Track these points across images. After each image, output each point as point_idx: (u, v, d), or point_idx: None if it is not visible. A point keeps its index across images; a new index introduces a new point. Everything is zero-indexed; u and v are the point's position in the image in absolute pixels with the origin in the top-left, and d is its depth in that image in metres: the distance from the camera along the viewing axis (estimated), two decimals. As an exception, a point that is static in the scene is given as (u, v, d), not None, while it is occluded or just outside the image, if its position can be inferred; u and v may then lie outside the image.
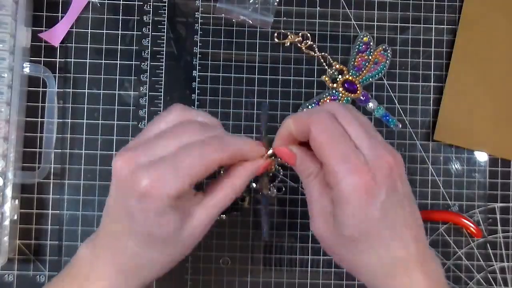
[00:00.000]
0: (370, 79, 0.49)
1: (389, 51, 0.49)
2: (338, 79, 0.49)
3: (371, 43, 0.49)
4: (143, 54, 0.49)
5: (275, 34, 0.49)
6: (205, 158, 0.32)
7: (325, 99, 0.49)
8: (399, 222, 0.32)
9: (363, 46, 0.49)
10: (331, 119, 0.33)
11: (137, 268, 0.34)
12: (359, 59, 0.49)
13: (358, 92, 0.48)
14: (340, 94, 0.49)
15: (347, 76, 0.49)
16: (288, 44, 0.49)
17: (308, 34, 0.49)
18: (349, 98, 0.49)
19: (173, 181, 0.31)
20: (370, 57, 0.49)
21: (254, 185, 0.49)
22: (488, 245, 0.49)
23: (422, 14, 0.50)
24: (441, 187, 0.49)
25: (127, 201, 0.32)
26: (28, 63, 0.47)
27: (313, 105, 0.48)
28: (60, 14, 0.49)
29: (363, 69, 0.49)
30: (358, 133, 0.33)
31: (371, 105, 0.49)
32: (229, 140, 0.33)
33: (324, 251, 0.36)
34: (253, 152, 0.35)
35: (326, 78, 0.49)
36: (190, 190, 0.33)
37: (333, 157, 0.31)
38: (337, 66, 0.49)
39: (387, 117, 0.49)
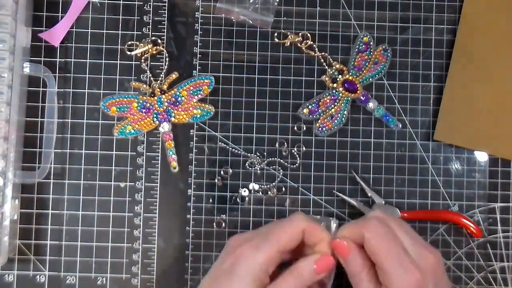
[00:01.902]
0: (370, 79, 0.49)
1: (389, 51, 0.49)
2: (338, 79, 0.49)
3: (371, 43, 0.49)
4: (143, 54, 0.49)
5: (275, 34, 0.49)
6: (290, 228, 0.38)
7: (325, 99, 0.49)
8: None
9: (363, 46, 0.49)
10: (383, 224, 0.38)
11: None
12: (359, 59, 0.49)
13: (358, 92, 0.48)
14: (340, 94, 0.49)
15: (347, 76, 0.49)
16: (288, 44, 0.49)
17: (308, 34, 0.49)
18: (349, 98, 0.49)
19: (264, 247, 0.37)
20: (370, 57, 0.49)
21: (255, 185, 0.49)
22: (488, 245, 0.49)
23: (422, 14, 0.50)
24: (441, 187, 0.49)
25: (223, 266, 0.38)
26: (28, 63, 0.47)
27: (313, 105, 0.48)
28: (60, 14, 0.49)
29: (363, 69, 0.49)
30: (404, 237, 0.38)
31: (371, 105, 0.49)
32: (313, 222, 0.40)
33: None
34: (322, 234, 0.39)
35: (326, 78, 0.49)
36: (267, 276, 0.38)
37: (388, 259, 0.36)
38: (337, 66, 0.49)
39: (387, 117, 0.49)
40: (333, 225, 0.41)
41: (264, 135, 0.49)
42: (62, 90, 0.49)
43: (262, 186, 0.49)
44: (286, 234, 0.38)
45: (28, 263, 0.48)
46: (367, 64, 0.49)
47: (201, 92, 0.48)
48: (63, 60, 0.49)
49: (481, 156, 0.50)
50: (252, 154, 0.49)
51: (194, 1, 0.50)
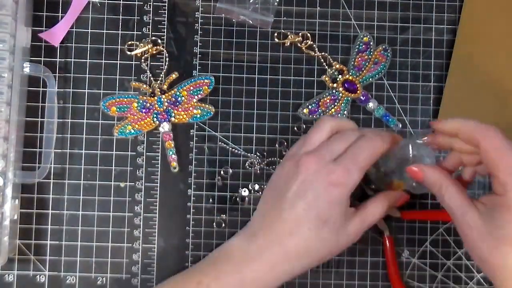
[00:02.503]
0: (370, 79, 0.49)
1: (389, 51, 0.49)
2: (338, 79, 0.49)
3: (371, 43, 0.49)
4: (143, 54, 0.49)
5: (275, 34, 0.49)
6: (373, 150, 0.40)
7: (325, 99, 0.49)
8: None
9: (363, 46, 0.49)
10: (502, 136, 0.37)
11: (303, 253, 0.39)
12: (359, 59, 0.49)
13: (358, 92, 0.48)
14: (340, 94, 0.49)
15: (347, 76, 0.49)
16: (288, 44, 0.49)
17: (308, 34, 0.49)
18: (349, 98, 0.49)
19: (355, 170, 0.39)
20: (370, 57, 0.49)
21: (255, 186, 0.49)
22: (488, 245, 0.49)
23: (422, 14, 0.50)
24: (441, 187, 0.49)
25: (314, 191, 0.38)
26: (28, 63, 0.47)
27: (313, 105, 0.48)
28: (60, 14, 0.49)
29: (363, 69, 0.49)
30: None
31: (371, 105, 0.49)
32: (384, 134, 0.41)
33: None
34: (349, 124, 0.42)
35: (326, 78, 0.49)
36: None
37: (503, 170, 0.35)
38: (337, 66, 0.49)
39: (387, 117, 0.49)
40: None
41: (264, 135, 0.49)
42: (62, 90, 0.49)
43: (262, 186, 0.49)
44: (371, 158, 0.40)
45: (28, 263, 0.48)
46: (367, 64, 0.49)
47: (201, 92, 0.48)
48: (63, 60, 0.49)
49: (481, 156, 0.50)
50: (252, 154, 0.49)
51: (194, 1, 0.50)
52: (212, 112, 0.48)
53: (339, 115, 0.48)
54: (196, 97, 0.48)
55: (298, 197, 0.39)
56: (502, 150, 0.36)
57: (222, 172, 0.49)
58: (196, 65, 0.49)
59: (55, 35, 0.48)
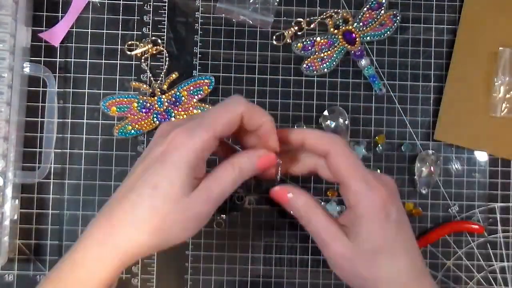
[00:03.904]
0: (370, 38, 0.49)
1: (398, 17, 0.49)
2: (341, 27, 0.49)
3: (384, 6, 0.49)
4: (143, 54, 0.49)
5: (274, 37, 0.49)
6: (228, 111, 0.35)
7: (322, 40, 0.49)
8: (409, 237, 0.37)
9: (376, 4, 0.49)
10: (348, 146, 0.36)
11: (128, 226, 0.34)
12: (367, 15, 0.49)
13: (356, 45, 0.48)
14: (338, 41, 0.49)
15: (350, 27, 0.49)
16: (288, 41, 0.49)
17: (302, 22, 0.49)
18: (344, 48, 0.49)
19: (199, 131, 0.34)
20: (378, 17, 0.49)
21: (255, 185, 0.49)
22: (488, 245, 0.49)
23: (422, 14, 0.50)
24: (441, 187, 0.49)
25: (153, 153, 0.34)
26: (28, 63, 0.47)
27: (308, 41, 0.49)
28: (60, 14, 0.49)
29: (368, 26, 0.49)
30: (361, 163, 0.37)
31: (363, 62, 0.49)
32: (253, 105, 0.36)
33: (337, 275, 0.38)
34: (263, 117, 0.36)
35: (330, 22, 0.49)
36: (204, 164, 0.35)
37: (355, 178, 0.35)
38: (345, 14, 0.49)
39: (374, 79, 0.49)
40: None
41: (264, 135, 0.49)
42: (62, 90, 0.49)
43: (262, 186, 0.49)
44: (222, 119, 0.34)
45: (28, 263, 0.48)
46: (373, 22, 0.49)
47: (201, 92, 0.48)
48: (63, 60, 0.49)
49: (481, 156, 0.50)
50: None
51: (194, 1, 0.50)
52: (212, 112, 0.48)
53: (330, 60, 0.49)
54: (196, 97, 0.48)
55: (140, 162, 0.35)
56: (351, 159, 0.36)
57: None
58: (196, 65, 0.49)
59: (55, 35, 0.48)
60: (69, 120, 0.49)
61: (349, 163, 0.35)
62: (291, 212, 0.37)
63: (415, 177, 0.49)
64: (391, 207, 0.35)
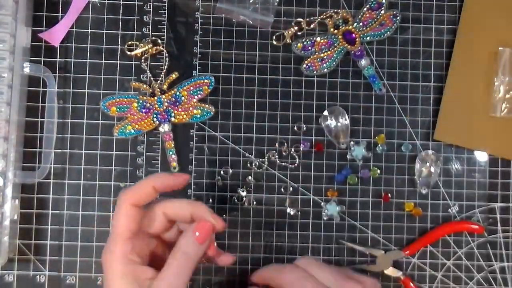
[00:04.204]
0: (370, 38, 0.49)
1: (398, 17, 0.49)
2: (341, 27, 0.49)
3: (384, 5, 0.49)
4: (143, 54, 0.49)
5: (274, 37, 0.49)
6: (120, 216, 0.36)
7: (322, 40, 0.49)
8: None
9: (376, 4, 0.49)
10: (299, 269, 0.40)
11: None
12: (367, 15, 0.49)
13: (355, 45, 0.48)
14: (338, 42, 0.49)
15: (350, 27, 0.49)
16: (288, 41, 0.49)
17: (302, 22, 0.49)
18: (344, 48, 0.49)
19: (117, 239, 0.36)
20: (378, 17, 0.49)
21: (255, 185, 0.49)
22: (488, 245, 0.49)
23: (422, 14, 0.50)
24: (441, 187, 0.49)
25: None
26: (28, 63, 0.47)
27: (308, 41, 0.49)
28: (60, 14, 0.49)
29: (367, 26, 0.49)
30: (326, 277, 0.39)
31: (363, 62, 0.49)
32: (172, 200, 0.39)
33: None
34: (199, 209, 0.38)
35: (330, 22, 0.49)
36: (138, 258, 0.36)
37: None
38: (344, 14, 0.49)
39: (374, 79, 0.49)
40: None
41: (264, 135, 0.49)
42: (62, 90, 0.49)
43: (263, 186, 0.49)
44: (124, 222, 0.36)
45: (28, 263, 0.48)
46: (373, 22, 0.49)
47: (201, 92, 0.48)
48: (63, 60, 0.49)
49: (481, 156, 0.50)
50: (252, 155, 0.49)
51: (194, 1, 0.50)
52: (212, 112, 0.48)
53: (330, 60, 0.49)
54: (196, 97, 0.48)
55: None
56: (301, 280, 0.39)
57: (222, 172, 0.49)
58: (196, 65, 0.49)
59: (55, 35, 0.48)
60: (69, 120, 0.49)
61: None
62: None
63: (415, 177, 0.49)
64: None
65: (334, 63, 0.49)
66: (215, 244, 0.40)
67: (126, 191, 0.37)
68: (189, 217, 0.38)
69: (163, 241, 0.39)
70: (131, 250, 0.36)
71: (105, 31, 0.49)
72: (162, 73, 0.49)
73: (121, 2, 0.49)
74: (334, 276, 0.39)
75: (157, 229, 0.38)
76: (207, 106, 0.48)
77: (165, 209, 0.38)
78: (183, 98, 0.48)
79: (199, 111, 0.48)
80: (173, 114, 0.48)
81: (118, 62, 0.49)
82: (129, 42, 0.49)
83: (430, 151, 0.49)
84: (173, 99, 0.48)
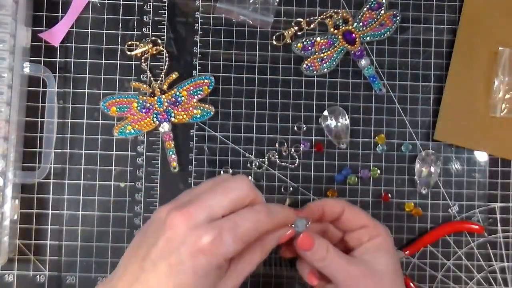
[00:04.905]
0: (370, 38, 0.49)
1: (398, 17, 0.49)
2: (341, 27, 0.49)
3: (384, 5, 0.49)
4: (143, 54, 0.49)
5: (274, 37, 0.49)
6: (258, 223, 0.35)
7: (322, 40, 0.49)
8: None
9: (376, 5, 0.49)
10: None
11: None
12: (367, 15, 0.49)
13: (355, 45, 0.48)
14: (338, 42, 0.49)
15: (350, 27, 0.49)
16: (288, 41, 0.49)
17: (302, 22, 0.49)
18: (344, 48, 0.49)
19: (232, 242, 0.33)
20: (378, 17, 0.49)
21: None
22: (488, 245, 0.49)
23: (422, 14, 0.50)
24: (441, 187, 0.49)
25: (179, 255, 0.32)
26: (28, 63, 0.47)
27: (308, 41, 0.49)
28: (60, 14, 0.49)
29: (367, 26, 0.49)
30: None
31: (363, 62, 0.49)
32: (275, 209, 0.37)
33: None
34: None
35: (330, 22, 0.49)
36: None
37: (367, 216, 0.42)
38: (344, 14, 0.49)
39: (374, 79, 0.49)
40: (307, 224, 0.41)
41: (264, 135, 0.49)
42: (62, 90, 0.49)
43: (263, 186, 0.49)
44: (254, 234, 0.35)
45: (28, 263, 0.48)
46: (373, 22, 0.49)
47: (201, 92, 0.48)
48: (63, 60, 0.49)
49: (481, 156, 0.50)
50: (252, 155, 0.49)
51: (194, 1, 0.50)
52: (212, 112, 0.48)
53: (330, 60, 0.49)
54: (196, 97, 0.48)
55: (161, 257, 0.33)
56: (360, 211, 0.42)
57: (222, 172, 0.49)
58: (196, 65, 0.49)
59: (55, 35, 0.48)
60: (69, 120, 0.49)
61: (357, 209, 0.42)
62: (311, 259, 0.39)
63: (415, 177, 0.49)
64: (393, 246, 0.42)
65: (334, 63, 0.49)
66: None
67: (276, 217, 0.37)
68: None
69: None
70: (230, 255, 0.34)
71: (105, 31, 0.49)
72: (162, 73, 0.49)
73: (121, 2, 0.49)
74: None
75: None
76: (207, 106, 0.48)
77: (272, 224, 0.37)
78: (183, 98, 0.48)
79: (199, 111, 0.48)
80: (173, 114, 0.48)
81: (118, 62, 0.49)
82: (129, 42, 0.49)
83: (430, 151, 0.49)
84: (173, 99, 0.48)
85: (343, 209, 0.42)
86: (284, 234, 0.38)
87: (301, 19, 0.49)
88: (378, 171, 0.49)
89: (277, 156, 0.49)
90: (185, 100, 0.48)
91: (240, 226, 0.34)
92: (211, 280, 0.33)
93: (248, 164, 0.49)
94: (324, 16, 0.49)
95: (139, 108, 0.48)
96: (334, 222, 0.43)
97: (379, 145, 0.49)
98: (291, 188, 0.49)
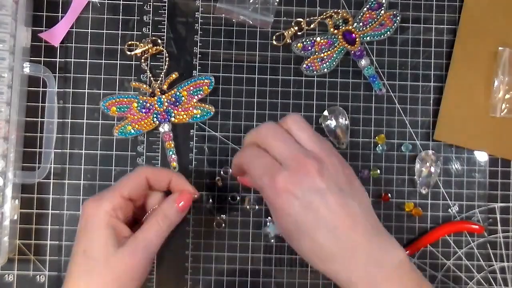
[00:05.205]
0: (370, 38, 0.49)
1: (398, 17, 0.49)
2: (341, 27, 0.49)
3: (384, 6, 0.49)
4: (143, 54, 0.49)
5: (274, 37, 0.49)
6: (133, 174, 0.41)
7: (322, 40, 0.49)
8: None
9: (376, 5, 0.49)
10: (275, 126, 0.39)
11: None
12: (367, 15, 0.49)
13: (355, 45, 0.48)
14: (338, 42, 0.49)
15: (350, 27, 0.49)
16: (288, 41, 0.49)
17: (302, 22, 0.49)
18: (344, 48, 0.49)
19: (107, 195, 0.39)
20: (378, 17, 0.49)
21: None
22: (488, 245, 0.49)
23: (422, 14, 0.50)
24: (441, 187, 0.49)
25: (78, 227, 0.40)
26: (28, 63, 0.47)
27: (308, 41, 0.49)
28: (60, 14, 0.49)
29: (367, 26, 0.49)
30: (300, 134, 0.38)
31: (363, 62, 0.49)
32: (158, 168, 0.44)
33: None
34: (168, 174, 0.43)
35: (330, 22, 0.49)
36: (123, 221, 0.40)
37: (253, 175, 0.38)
38: (344, 14, 0.49)
39: (374, 79, 0.49)
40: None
41: (264, 135, 0.49)
42: (62, 90, 0.49)
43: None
44: (128, 182, 0.40)
45: (28, 263, 0.48)
46: (373, 22, 0.49)
47: (201, 92, 0.48)
48: (63, 60, 0.49)
49: (481, 156, 0.50)
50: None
51: (194, 1, 0.50)
52: (212, 112, 0.48)
53: (330, 60, 0.49)
54: (196, 97, 0.48)
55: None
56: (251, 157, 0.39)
57: (222, 172, 0.49)
58: (196, 65, 0.49)
59: (55, 35, 0.48)
60: (69, 120, 0.49)
61: (248, 166, 0.39)
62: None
63: (415, 177, 0.49)
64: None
65: (334, 63, 0.49)
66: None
67: (148, 167, 0.43)
68: (166, 185, 0.43)
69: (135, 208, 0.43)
70: (120, 208, 0.39)
71: (105, 31, 0.49)
72: (162, 73, 0.49)
73: (121, 2, 0.49)
74: (299, 148, 0.37)
75: (138, 194, 0.41)
76: (207, 106, 0.48)
77: (148, 173, 0.41)
78: (183, 98, 0.48)
79: (199, 111, 0.48)
80: (173, 114, 0.48)
81: (118, 62, 0.49)
82: (129, 42, 0.49)
83: (430, 151, 0.49)
84: (173, 99, 0.48)
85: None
86: (177, 197, 0.41)
87: (301, 19, 0.49)
88: (378, 171, 0.49)
89: (277, 156, 0.49)
90: (185, 100, 0.48)
91: (117, 182, 0.41)
92: (105, 234, 0.38)
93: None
94: (324, 16, 0.49)
95: (139, 108, 0.48)
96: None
97: (379, 145, 0.49)
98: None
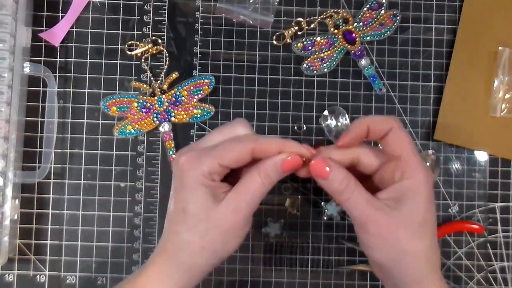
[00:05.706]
0: (370, 38, 0.49)
1: (398, 17, 0.49)
2: (341, 27, 0.49)
3: (384, 5, 0.49)
4: (143, 53, 0.49)
5: (274, 37, 0.49)
6: (237, 145, 0.36)
7: (322, 40, 0.49)
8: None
9: (376, 4, 0.49)
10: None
11: (178, 251, 0.36)
12: (367, 15, 0.49)
13: (356, 45, 0.48)
14: (338, 41, 0.49)
15: (350, 27, 0.49)
16: (288, 41, 0.49)
17: (302, 21, 0.49)
18: (344, 48, 0.49)
19: (205, 159, 0.35)
20: (378, 17, 0.49)
21: None
22: (488, 244, 0.49)
23: (422, 14, 0.50)
24: (441, 187, 0.49)
25: (173, 179, 0.37)
26: (28, 63, 0.47)
27: (308, 41, 0.49)
28: (60, 14, 0.49)
29: (367, 25, 0.49)
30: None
31: (363, 62, 0.49)
32: (264, 138, 0.37)
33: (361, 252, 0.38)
34: (289, 147, 0.37)
35: (330, 22, 0.49)
36: (220, 180, 0.37)
37: (413, 153, 0.36)
38: (345, 14, 0.49)
39: (374, 79, 0.49)
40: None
41: (264, 135, 0.49)
42: (62, 90, 0.49)
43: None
44: (231, 153, 0.36)
45: (28, 263, 0.48)
46: (373, 22, 0.49)
47: (201, 92, 0.48)
48: (63, 60, 0.49)
49: (481, 156, 0.50)
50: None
51: (194, 1, 0.50)
52: (212, 112, 0.48)
53: (330, 60, 0.49)
54: (196, 97, 0.48)
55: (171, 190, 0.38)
56: (409, 137, 0.37)
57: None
58: (196, 65, 0.49)
59: (55, 35, 0.48)
60: (69, 120, 0.49)
61: (409, 140, 0.36)
62: (327, 189, 0.36)
63: (415, 177, 0.49)
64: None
65: (334, 63, 0.49)
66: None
67: (255, 137, 0.37)
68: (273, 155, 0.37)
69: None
70: (216, 172, 0.36)
71: (105, 31, 0.49)
72: (162, 73, 0.49)
73: (121, 2, 0.49)
74: None
75: (238, 164, 0.37)
76: (207, 106, 0.48)
77: (255, 146, 0.36)
78: (183, 98, 0.48)
79: (199, 111, 0.48)
80: (173, 114, 0.48)
81: (118, 62, 0.49)
82: (129, 42, 0.49)
83: (430, 151, 0.49)
84: (173, 99, 0.48)
85: (391, 128, 0.36)
86: (283, 159, 0.36)
87: (301, 19, 0.49)
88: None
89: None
90: (185, 100, 0.48)
91: (217, 148, 0.36)
92: (200, 193, 0.35)
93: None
94: (324, 16, 0.49)
95: (139, 108, 0.48)
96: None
97: (379, 145, 0.49)
98: (291, 188, 0.49)
